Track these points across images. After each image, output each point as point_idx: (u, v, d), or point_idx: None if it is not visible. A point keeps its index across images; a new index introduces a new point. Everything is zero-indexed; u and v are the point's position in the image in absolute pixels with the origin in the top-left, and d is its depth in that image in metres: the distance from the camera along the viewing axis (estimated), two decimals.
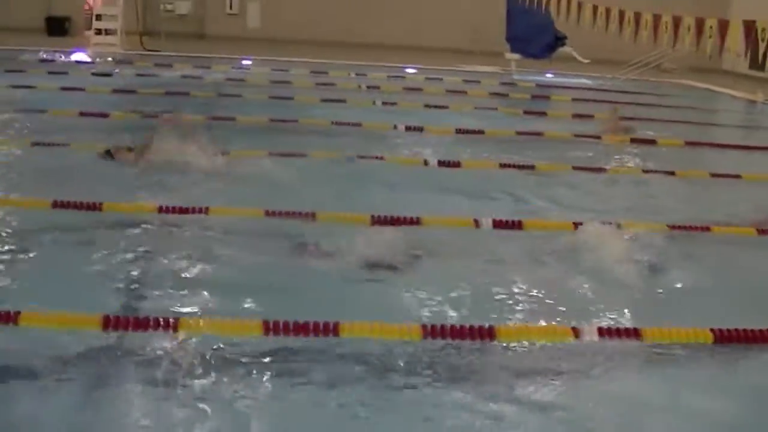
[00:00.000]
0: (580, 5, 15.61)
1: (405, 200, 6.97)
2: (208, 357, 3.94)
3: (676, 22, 17.97)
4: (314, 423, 3.60)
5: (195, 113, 10.02)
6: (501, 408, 3.76)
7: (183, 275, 5.05)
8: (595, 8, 15.79)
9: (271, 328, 4.16)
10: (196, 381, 3.76)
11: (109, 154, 7.53)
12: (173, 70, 14.68)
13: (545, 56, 18.05)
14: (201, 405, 3.58)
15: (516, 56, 18.29)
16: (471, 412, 3.69)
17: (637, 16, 17.12)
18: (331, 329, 4.19)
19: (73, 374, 3.80)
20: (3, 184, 6.87)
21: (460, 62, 18.64)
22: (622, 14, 17.34)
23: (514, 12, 18.09)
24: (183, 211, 6.09)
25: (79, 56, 16.04)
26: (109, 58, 15.79)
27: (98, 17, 17.88)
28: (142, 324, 4.17)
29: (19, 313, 4.11)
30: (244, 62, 16.23)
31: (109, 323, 4.14)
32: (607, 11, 17.01)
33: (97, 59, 15.63)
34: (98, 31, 17.77)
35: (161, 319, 4.18)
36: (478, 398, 3.81)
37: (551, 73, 17.85)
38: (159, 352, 3.95)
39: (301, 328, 4.18)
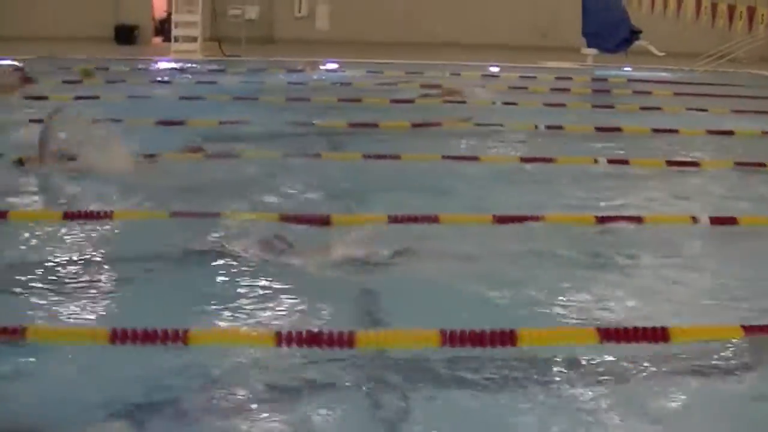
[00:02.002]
0: None
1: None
2: None
3: (750, 12, 18.01)
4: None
5: (332, 120, 10.15)
6: None
7: None
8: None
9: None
10: None
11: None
12: (269, 75, 14.70)
13: (621, 51, 18.10)
14: None
15: (593, 51, 18.35)
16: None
17: (714, 7, 17.12)
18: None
19: None
20: None
21: (534, 59, 18.63)
22: (698, 4, 17.36)
23: (590, 8, 18.15)
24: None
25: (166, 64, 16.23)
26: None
27: (176, 25, 17.89)
28: None
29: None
30: (330, 65, 16.23)
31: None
32: (679, 2, 17.03)
33: None
34: (176, 39, 17.80)
35: None
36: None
37: (629, 67, 17.84)
38: None
39: None
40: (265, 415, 3.67)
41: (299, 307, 4.77)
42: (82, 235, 5.84)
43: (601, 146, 9.27)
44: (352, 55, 17.39)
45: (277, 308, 4.74)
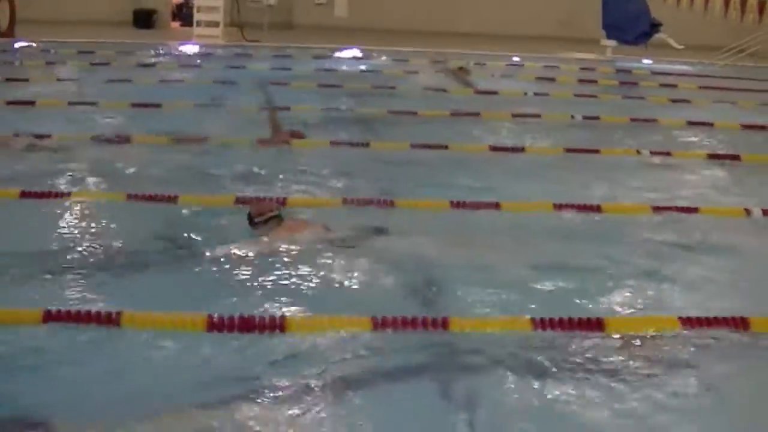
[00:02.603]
0: None
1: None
2: None
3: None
4: None
5: (371, 107, 10.21)
6: None
7: None
8: None
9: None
10: None
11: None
12: (296, 61, 14.72)
13: (641, 43, 18.14)
14: None
15: (612, 43, 18.38)
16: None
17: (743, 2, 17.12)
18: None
19: None
20: None
21: (551, 50, 18.64)
22: None
23: (610, 0, 18.17)
24: None
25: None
26: None
27: (198, 9, 17.89)
28: None
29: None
30: (353, 51, 16.25)
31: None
32: None
33: None
34: (198, 23, 17.81)
35: None
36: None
37: (648, 59, 17.88)
38: None
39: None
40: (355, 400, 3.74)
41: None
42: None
43: (640, 137, 9.34)
44: (371, 42, 17.39)
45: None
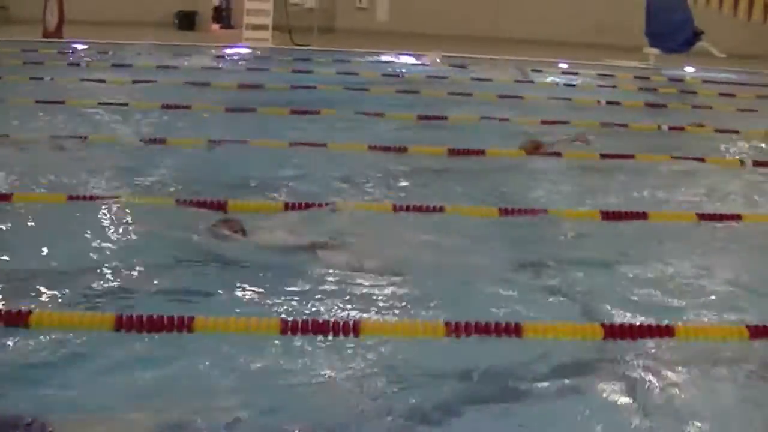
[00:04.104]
0: None
1: None
2: None
3: None
4: None
5: (460, 114, 10.34)
6: None
7: None
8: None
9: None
10: None
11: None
12: (357, 65, 14.85)
13: (684, 51, 18.37)
14: None
15: (655, 51, 18.60)
16: None
17: None
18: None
19: None
20: None
21: (593, 57, 18.83)
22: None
23: (654, 8, 18.40)
24: None
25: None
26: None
27: (248, 12, 18.02)
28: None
29: None
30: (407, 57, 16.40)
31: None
32: (751, 2, 17.23)
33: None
34: (248, 26, 17.95)
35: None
36: None
37: (691, 67, 18.10)
38: None
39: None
40: None
41: None
42: None
43: (733, 146, 9.52)
44: (415, 47, 17.54)
45: None
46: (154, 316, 4.17)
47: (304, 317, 4.35)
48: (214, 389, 3.75)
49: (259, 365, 3.96)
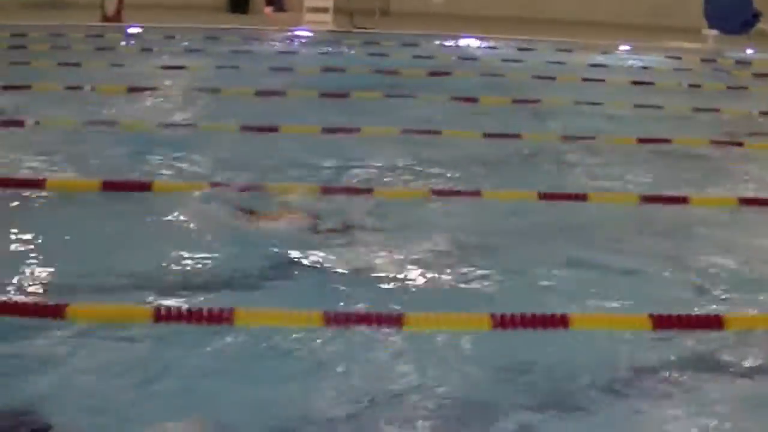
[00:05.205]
0: None
1: None
2: None
3: None
4: None
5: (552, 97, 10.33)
6: None
7: None
8: None
9: None
10: None
11: None
12: (426, 49, 14.82)
13: (744, 33, 18.27)
14: None
15: (713, 32, 18.49)
16: None
17: None
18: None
19: None
20: None
21: (649, 38, 18.74)
22: None
23: None
24: None
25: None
26: None
27: None
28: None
29: None
30: (470, 40, 16.36)
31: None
32: None
33: None
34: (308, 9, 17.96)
35: None
36: None
37: (751, 49, 17.99)
38: None
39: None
40: None
41: None
42: None
43: None
44: (474, 30, 17.49)
45: None
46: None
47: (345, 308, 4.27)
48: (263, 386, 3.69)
49: (305, 355, 3.90)
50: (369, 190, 6.27)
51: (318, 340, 3.99)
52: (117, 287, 4.58)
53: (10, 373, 3.64)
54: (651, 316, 4.23)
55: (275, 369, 3.81)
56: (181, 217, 5.70)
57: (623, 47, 16.97)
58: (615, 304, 4.61)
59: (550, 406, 3.58)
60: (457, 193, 6.34)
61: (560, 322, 4.11)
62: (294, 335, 4.01)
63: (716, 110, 10.27)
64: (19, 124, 8.03)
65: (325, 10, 17.86)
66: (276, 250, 5.15)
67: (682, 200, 6.42)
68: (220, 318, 4.06)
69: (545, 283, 4.86)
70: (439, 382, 3.68)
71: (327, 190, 6.18)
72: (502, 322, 4.05)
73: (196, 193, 6.02)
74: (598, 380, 3.76)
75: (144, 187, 6.18)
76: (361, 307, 4.34)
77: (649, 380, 3.81)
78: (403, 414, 3.47)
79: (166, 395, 3.57)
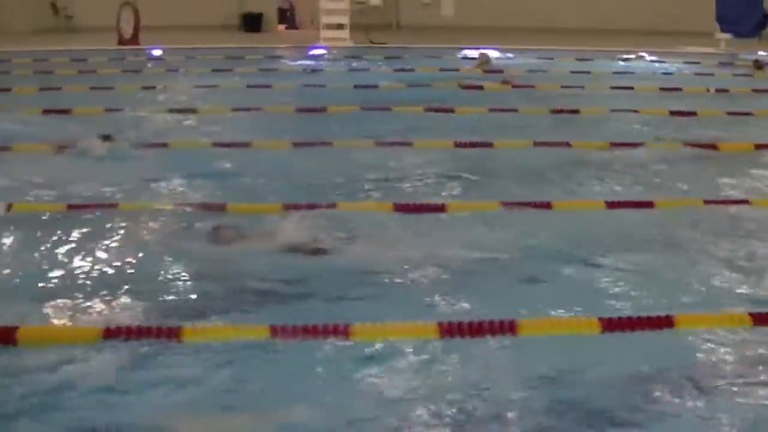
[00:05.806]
0: None
1: None
2: None
3: None
4: None
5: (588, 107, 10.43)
6: None
7: None
8: None
9: None
10: None
11: None
12: (446, 61, 14.95)
13: (755, 35, 18.47)
14: None
15: (727, 36, 18.65)
16: None
17: None
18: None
19: None
20: None
21: (665, 43, 18.88)
22: None
23: None
24: None
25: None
26: None
27: (325, 12, 18.18)
28: None
29: None
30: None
31: None
32: None
33: None
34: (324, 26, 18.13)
35: None
36: None
37: (763, 51, 18.16)
38: None
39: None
40: None
41: None
42: None
43: None
44: (484, 41, 17.62)
45: None
46: None
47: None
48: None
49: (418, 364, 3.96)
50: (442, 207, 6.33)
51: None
52: None
53: None
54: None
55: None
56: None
57: (642, 54, 17.08)
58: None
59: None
60: (528, 204, 6.41)
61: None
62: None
63: (749, 113, 10.37)
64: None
65: (342, 26, 18.01)
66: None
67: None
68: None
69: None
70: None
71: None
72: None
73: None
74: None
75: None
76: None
77: None
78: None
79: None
